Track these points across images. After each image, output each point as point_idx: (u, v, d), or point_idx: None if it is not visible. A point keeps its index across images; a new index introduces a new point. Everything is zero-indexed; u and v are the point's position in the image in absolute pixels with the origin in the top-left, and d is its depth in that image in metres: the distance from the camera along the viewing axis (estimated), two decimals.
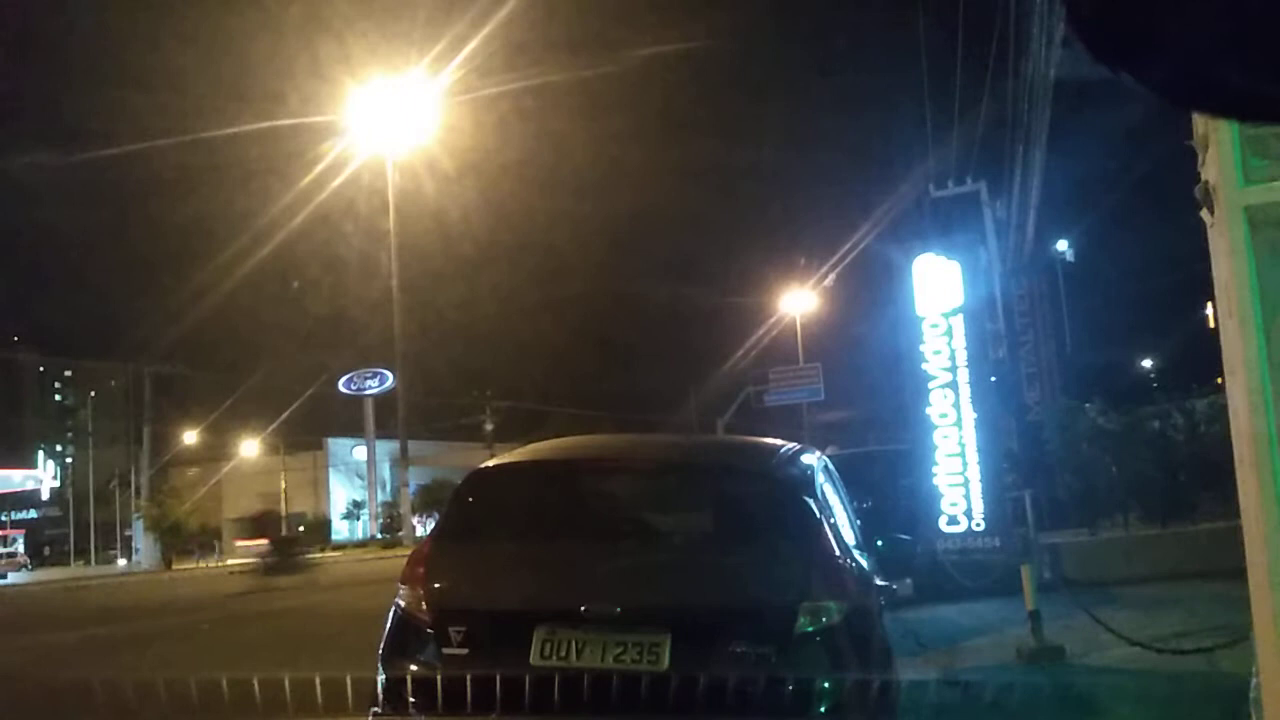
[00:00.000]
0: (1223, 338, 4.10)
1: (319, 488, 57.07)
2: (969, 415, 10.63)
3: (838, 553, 3.94)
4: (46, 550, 62.10)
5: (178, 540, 45.30)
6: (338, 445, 58.96)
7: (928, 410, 10.77)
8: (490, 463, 4.83)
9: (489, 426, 54.00)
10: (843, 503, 4.75)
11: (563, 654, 3.58)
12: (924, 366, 10.80)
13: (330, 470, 58.32)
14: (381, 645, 3.89)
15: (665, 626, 3.57)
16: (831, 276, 37.72)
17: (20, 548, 54.68)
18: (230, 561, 38.23)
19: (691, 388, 43.18)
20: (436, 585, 3.87)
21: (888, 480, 11.51)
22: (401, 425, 42.73)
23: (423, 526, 39.43)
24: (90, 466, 61.81)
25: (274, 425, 50.38)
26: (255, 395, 50.92)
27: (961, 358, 10.65)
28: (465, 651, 3.64)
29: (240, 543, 38.92)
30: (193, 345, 54.50)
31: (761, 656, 3.52)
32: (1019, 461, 11.43)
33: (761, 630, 3.60)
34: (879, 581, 4.49)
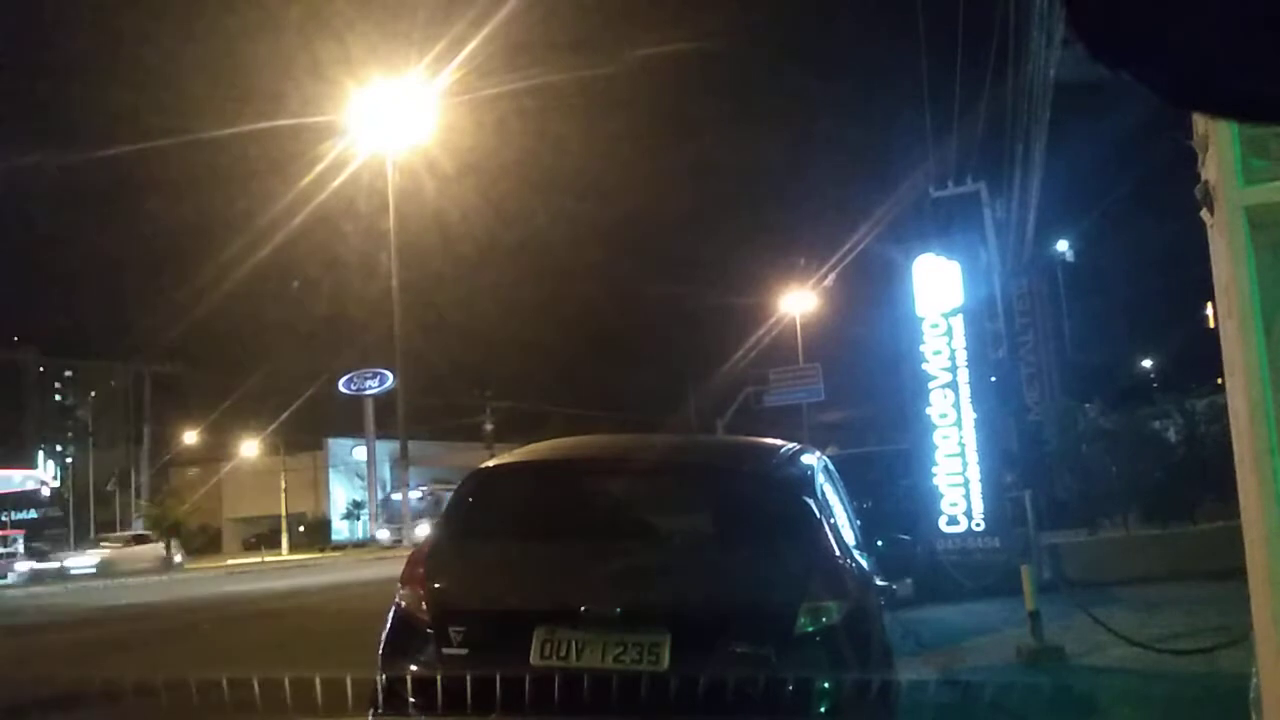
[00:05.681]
0: (1223, 338, 4.09)
1: (319, 488, 56.99)
2: (969, 415, 10.63)
3: (838, 553, 3.94)
4: (47, 550, 61.96)
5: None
6: (338, 445, 58.86)
7: (928, 410, 10.78)
8: (490, 463, 4.83)
9: (489, 426, 53.93)
10: (843, 503, 4.74)
11: (563, 654, 3.57)
12: (924, 367, 10.81)
13: (330, 470, 58.26)
14: (381, 645, 3.89)
15: (665, 627, 3.56)
16: (831, 277, 37.72)
17: (20, 548, 54.56)
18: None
19: (691, 388, 43.13)
20: (436, 585, 3.87)
21: (888, 480, 11.51)
22: (401, 425, 42.74)
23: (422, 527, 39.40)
24: (90, 466, 61.76)
25: (274, 425, 50.31)
26: (255, 395, 50.84)
27: (961, 358, 10.66)
28: (465, 652, 3.64)
29: None
30: (193, 345, 54.49)
31: (761, 656, 3.51)
32: (1019, 461, 11.44)
33: (761, 630, 3.59)
34: (879, 581, 4.48)
